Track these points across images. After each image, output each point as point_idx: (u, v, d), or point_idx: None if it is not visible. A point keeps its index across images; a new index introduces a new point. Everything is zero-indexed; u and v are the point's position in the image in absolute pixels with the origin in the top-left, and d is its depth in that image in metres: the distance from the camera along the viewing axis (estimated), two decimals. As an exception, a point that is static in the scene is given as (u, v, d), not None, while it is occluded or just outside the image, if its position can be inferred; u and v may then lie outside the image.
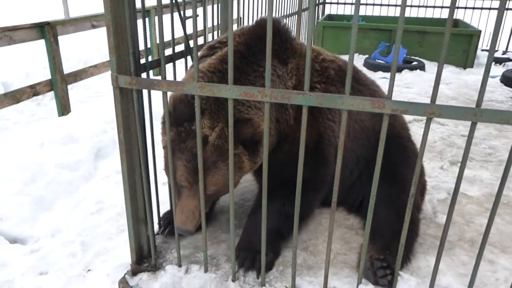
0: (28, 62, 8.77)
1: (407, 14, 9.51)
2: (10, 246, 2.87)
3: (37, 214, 3.25)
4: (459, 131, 4.63)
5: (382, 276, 2.04)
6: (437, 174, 3.54)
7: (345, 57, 2.36)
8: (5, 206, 3.17)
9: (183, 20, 2.46)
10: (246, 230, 2.36)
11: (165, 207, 2.64)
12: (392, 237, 2.20)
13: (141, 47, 2.22)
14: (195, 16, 1.64)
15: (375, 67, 7.95)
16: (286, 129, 2.21)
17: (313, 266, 2.27)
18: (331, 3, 11.66)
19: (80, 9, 18.98)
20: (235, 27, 4.03)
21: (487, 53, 9.08)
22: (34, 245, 2.88)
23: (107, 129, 4.68)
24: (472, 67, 8.52)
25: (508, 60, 9.29)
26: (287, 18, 7.08)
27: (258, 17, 2.40)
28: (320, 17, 10.62)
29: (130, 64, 1.85)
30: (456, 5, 1.78)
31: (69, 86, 6.29)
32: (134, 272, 2.25)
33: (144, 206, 2.16)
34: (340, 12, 11.40)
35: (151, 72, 2.15)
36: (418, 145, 2.58)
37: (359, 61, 8.40)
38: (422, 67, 7.96)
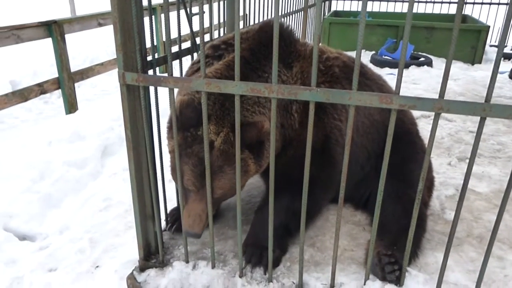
0: (36, 61, 8.83)
1: (414, 10, 9.45)
2: (20, 243, 2.90)
3: (46, 212, 3.28)
4: (467, 127, 4.60)
5: (389, 272, 2.03)
6: (445, 170, 3.52)
7: (352, 54, 2.35)
8: (14, 203, 3.19)
9: (189, 17, 2.46)
10: (253, 226, 2.37)
11: (172, 203, 2.65)
12: (399, 233, 2.19)
13: (148, 44, 2.23)
14: (201, 13, 1.64)
15: (382, 64, 7.90)
16: (291, 134, 2.21)
17: (320, 262, 2.27)
18: (337, -1, 11.62)
19: (86, 7, 19.06)
20: (241, 24, 4.02)
21: (495, 49, 9.06)
22: (43, 242, 2.91)
23: (114, 126, 4.70)
24: (480, 63, 8.44)
25: (517, 55, 9.20)
26: (293, 15, 7.06)
27: (265, 14, 2.39)
28: (326, 14, 10.58)
29: (137, 61, 1.85)
30: (465, 0, 1.76)
31: (76, 84, 6.33)
32: (142, 268, 2.26)
33: (152, 203, 2.17)
34: (347, 8, 11.35)
35: (157, 69, 2.15)
36: (425, 141, 2.57)
37: (365, 57, 8.36)
38: (429, 63, 7.90)
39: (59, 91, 6.20)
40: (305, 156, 1.72)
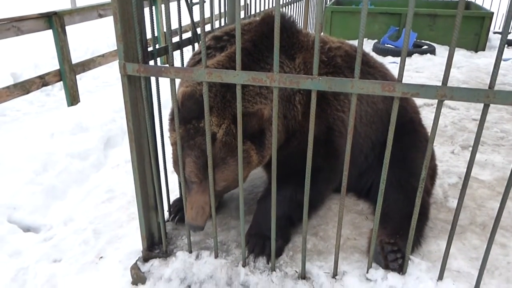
0: (37, 53, 8.81)
1: (416, -3, 9.34)
2: (24, 235, 2.91)
3: (49, 203, 3.29)
4: (471, 115, 4.57)
5: (392, 260, 2.03)
6: (448, 158, 3.51)
7: (355, 42, 2.33)
8: (18, 195, 3.21)
9: (190, 7, 2.44)
10: (256, 216, 2.37)
11: (174, 194, 2.66)
12: (402, 221, 2.19)
13: (148, 35, 2.21)
14: (202, 3, 1.62)
15: (384, 52, 7.85)
16: (294, 125, 2.20)
17: (323, 251, 2.27)
18: (339, -12, 11.49)
19: (86, -2, 18.93)
20: (242, 14, 3.99)
21: (499, 36, 8.98)
22: (47, 233, 2.93)
23: (116, 118, 4.70)
24: (483, 50, 8.37)
25: (521, 42, 9.11)
26: (295, 4, 7.00)
27: (266, 4, 2.37)
28: (328, 2, 10.48)
29: (137, 52, 1.84)
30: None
31: (77, 76, 6.31)
32: (145, 259, 2.28)
33: (154, 194, 2.18)
34: (348, -3, 11.23)
35: (158, 60, 2.14)
36: (428, 129, 2.55)
37: (368, 46, 8.29)
38: (432, 51, 7.83)
39: (61, 83, 6.18)
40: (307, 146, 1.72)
